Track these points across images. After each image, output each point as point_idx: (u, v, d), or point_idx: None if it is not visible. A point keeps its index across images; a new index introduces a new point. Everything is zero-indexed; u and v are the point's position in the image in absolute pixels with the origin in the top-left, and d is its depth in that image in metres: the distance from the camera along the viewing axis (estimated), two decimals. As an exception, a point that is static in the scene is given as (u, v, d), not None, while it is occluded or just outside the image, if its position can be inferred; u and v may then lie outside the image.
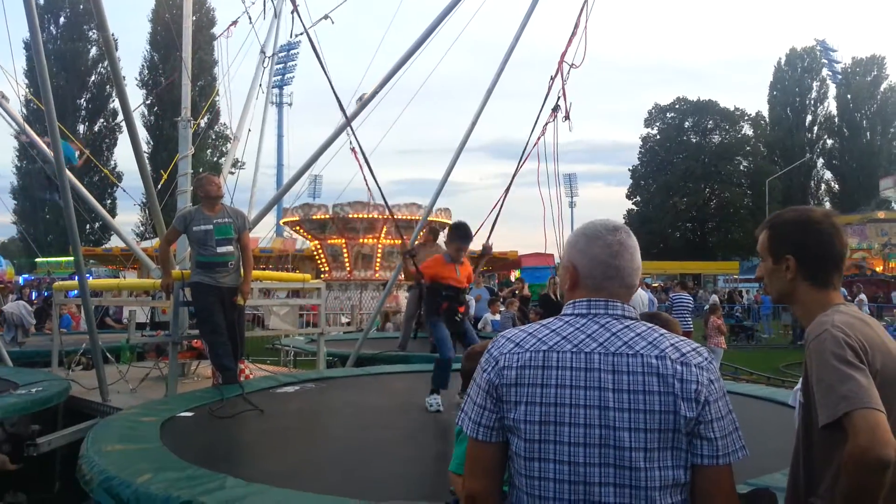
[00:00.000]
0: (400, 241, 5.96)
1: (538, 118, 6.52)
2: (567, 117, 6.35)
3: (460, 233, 5.86)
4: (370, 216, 20.90)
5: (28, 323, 11.21)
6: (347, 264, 22.14)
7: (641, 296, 10.96)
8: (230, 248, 6.44)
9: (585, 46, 5.99)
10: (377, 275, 21.39)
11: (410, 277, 6.23)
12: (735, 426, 1.60)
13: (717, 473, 1.56)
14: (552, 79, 6.30)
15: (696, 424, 1.54)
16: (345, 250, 22.20)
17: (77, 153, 10.70)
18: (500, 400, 1.63)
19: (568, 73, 6.24)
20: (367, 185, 9.42)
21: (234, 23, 10.29)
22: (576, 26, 5.98)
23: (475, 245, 6.52)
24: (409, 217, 19.95)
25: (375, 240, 21.44)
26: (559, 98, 6.32)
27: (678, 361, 1.56)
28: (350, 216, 21.27)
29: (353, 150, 8.43)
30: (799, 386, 2.01)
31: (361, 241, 21.77)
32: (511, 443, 1.63)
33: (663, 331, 1.65)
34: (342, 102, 6.95)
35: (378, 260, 21.59)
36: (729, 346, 19.36)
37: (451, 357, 5.70)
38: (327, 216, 21.60)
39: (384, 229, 21.10)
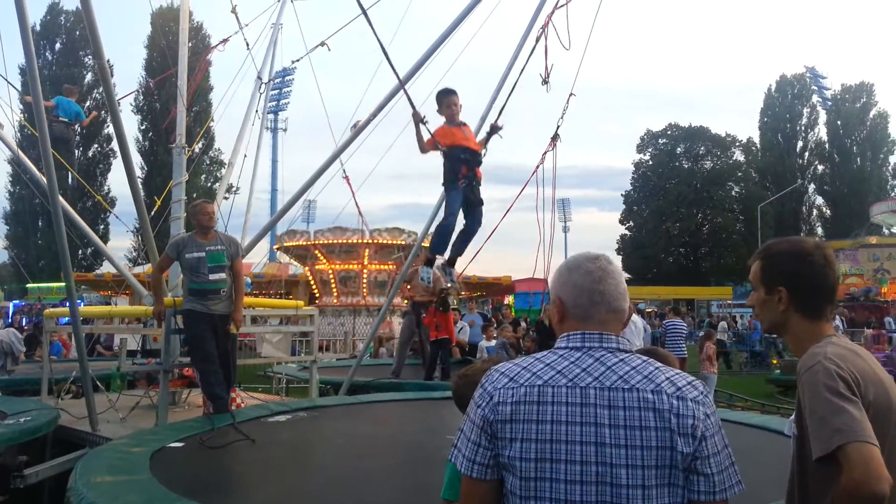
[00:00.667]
0: (412, 112, 5.75)
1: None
2: (546, 80, 6.30)
3: (442, 91, 5.87)
4: (300, 243, 21.28)
5: (18, 350, 11.10)
6: (316, 291, 22.33)
7: (636, 321, 10.94)
8: (223, 276, 6.41)
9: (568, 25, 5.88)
10: (336, 300, 21.48)
11: (425, 149, 5.95)
12: (731, 461, 1.58)
13: None
14: (542, 29, 6.22)
15: (693, 460, 1.52)
16: (310, 276, 22.46)
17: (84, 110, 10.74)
18: (495, 437, 1.60)
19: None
20: (358, 210, 9.39)
21: (226, 40, 10.36)
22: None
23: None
24: (392, 241, 20.09)
25: (329, 265, 21.59)
26: (558, 127, 6.37)
27: (674, 396, 1.55)
28: (285, 244, 21.47)
29: (345, 178, 8.46)
30: (794, 416, 2.00)
31: (317, 267, 22.00)
32: (506, 480, 1.60)
33: (658, 364, 1.63)
34: (337, 126, 6.94)
35: (334, 286, 21.71)
36: (741, 372, 19.36)
37: (453, 226, 5.64)
38: (278, 247, 21.92)
39: (316, 254, 21.35)
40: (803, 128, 56.42)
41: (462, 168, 5.61)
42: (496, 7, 7.07)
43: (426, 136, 5.78)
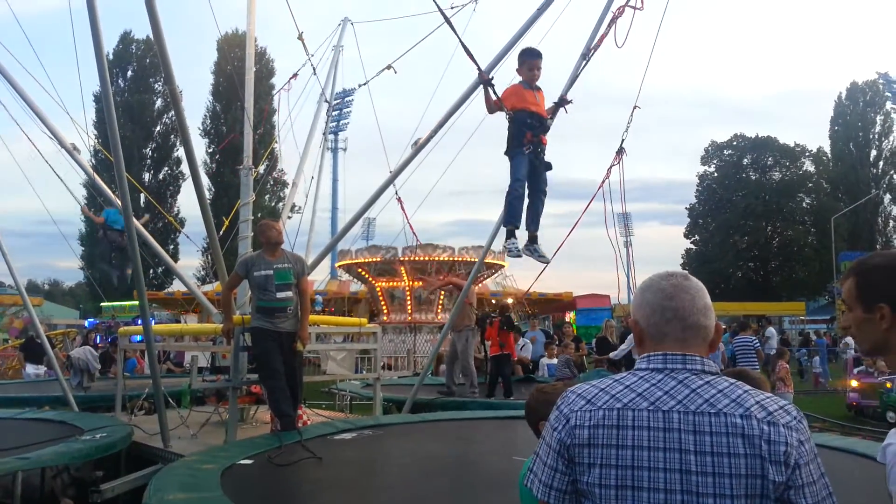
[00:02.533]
0: (477, 70, 5.62)
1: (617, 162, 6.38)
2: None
3: (527, 51, 5.67)
4: (347, 262, 21.72)
5: (94, 368, 11.46)
6: (374, 309, 22.74)
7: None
8: (290, 294, 6.49)
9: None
10: (386, 318, 21.76)
11: (492, 109, 5.77)
12: (828, 491, 1.48)
13: None
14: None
15: (786, 490, 1.43)
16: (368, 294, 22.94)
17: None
18: (573, 461, 1.54)
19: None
20: (411, 228, 9.39)
21: (295, 75, 10.57)
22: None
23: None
24: (426, 258, 20.24)
25: (376, 282, 21.99)
26: (623, 140, 6.25)
27: (765, 421, 1.46)
28: (339, 263, 21.81)
29: (398, 199, 8.50)
30: (890, 440, 1.86)
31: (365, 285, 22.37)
32: (585, 508, 1.54)
33: (748, 387, 1.55)
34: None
35: (384, 303, 22.00)
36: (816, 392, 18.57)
37: (522, 192, 5.44)
38: (339, 264, 22.28)
39: (360, 272, 21.67)
40: (877, 136, 54.35)
41: (527, 134, 5.45)
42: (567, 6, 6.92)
43: (493, 97, 5.66)
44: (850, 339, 22.25)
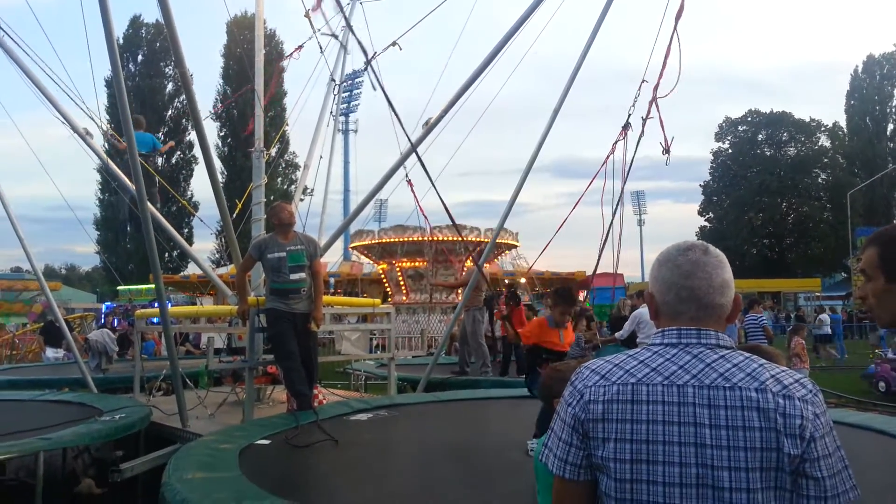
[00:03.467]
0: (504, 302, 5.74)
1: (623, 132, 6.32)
2: (667, 151, 6.17)
3: (566, 298, 5.80)
4: (411, 239, 21.44)
5: (111, 350, 11.60)
6: (389, 289, 22.83)
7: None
8: (303, 275, 6.54)
9: (679, 71, 5.76)
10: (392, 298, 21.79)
11: (513, 340, 5.97)
12: (844, 464, 1.48)
13: None
14: (635, 99, 6.11)
15: (801, 462, 1.43)
16: (390, 274, 22.96)
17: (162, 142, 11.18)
18: (587, 436, 1.55)
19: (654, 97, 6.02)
20: (420, 210, 9.30)
21: (300, 47, 10.51)
22: (666, 56, 5.78)
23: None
24: (479, 240, 20.15)
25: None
26: (630, 115, 6.18)
27: (780, 394, 1.46)
28: (378, 241, 21.93)
29: (408, 181, 8.48)
30: None
31: (402, 265, 22.31)
32: (600, 482, 1.55)
33: (763, 361, 1.54)
34: (406, 131, 6.94)
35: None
36: (833, 367, 18.51)
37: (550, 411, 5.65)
38: (353, 245, 22.36)
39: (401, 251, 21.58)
40: (894, 110, 53.61)
41: (543, 365, 5.63)
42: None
43: (511, 330, 5.80)
44: (824, 317, 22.16)
